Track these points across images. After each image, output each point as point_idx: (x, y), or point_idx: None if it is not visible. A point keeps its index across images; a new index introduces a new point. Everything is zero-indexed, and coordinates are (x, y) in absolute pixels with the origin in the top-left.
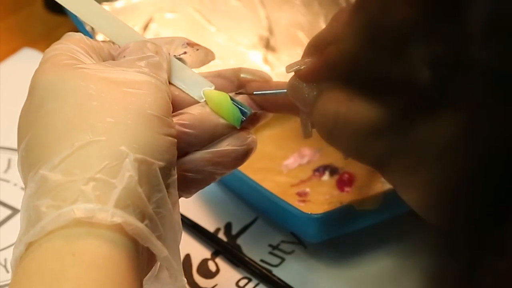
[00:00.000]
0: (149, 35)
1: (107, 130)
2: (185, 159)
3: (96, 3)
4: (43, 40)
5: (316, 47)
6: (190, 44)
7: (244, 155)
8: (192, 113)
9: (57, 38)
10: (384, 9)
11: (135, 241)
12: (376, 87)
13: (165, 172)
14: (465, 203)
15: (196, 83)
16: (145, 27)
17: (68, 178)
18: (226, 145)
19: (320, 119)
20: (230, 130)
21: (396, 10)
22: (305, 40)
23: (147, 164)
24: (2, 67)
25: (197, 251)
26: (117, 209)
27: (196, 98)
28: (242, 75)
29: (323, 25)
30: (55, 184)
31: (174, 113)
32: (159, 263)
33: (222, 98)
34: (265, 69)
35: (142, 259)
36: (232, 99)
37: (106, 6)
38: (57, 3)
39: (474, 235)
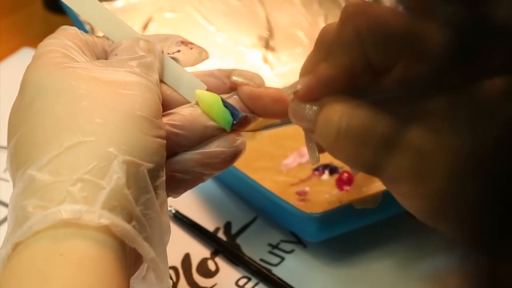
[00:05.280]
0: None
1: (96, 131)
2: (174, 159)
3: None
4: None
5: (309, 67)
6: (184, 43)
7: (233, 156)
8: (183, 113)
9: None
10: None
11: (122, 242)
12: (375, 94)
13: (154, 173)
14: (480, 209)
15: (188, 83)
16: (145, 26)
17: (56, 179)
18: (215, 147)
19: (323, 132)
20: (220, 132)
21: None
22: (304, 39)
23: (135, 166)
24: (1, 67)
25: (197, 251)
26: (104, 211)
27: (187, 98)
28: (233, 78)
29: (322, 25)
30: (43, 184)
31: (164, 113)
32: (146, 264)
33: (214, 100)
34: (265, 68)
35: (130, 259)
36: (223, 101)
37: (105, 5)
38: (56, 2)
39: (486, 241)
